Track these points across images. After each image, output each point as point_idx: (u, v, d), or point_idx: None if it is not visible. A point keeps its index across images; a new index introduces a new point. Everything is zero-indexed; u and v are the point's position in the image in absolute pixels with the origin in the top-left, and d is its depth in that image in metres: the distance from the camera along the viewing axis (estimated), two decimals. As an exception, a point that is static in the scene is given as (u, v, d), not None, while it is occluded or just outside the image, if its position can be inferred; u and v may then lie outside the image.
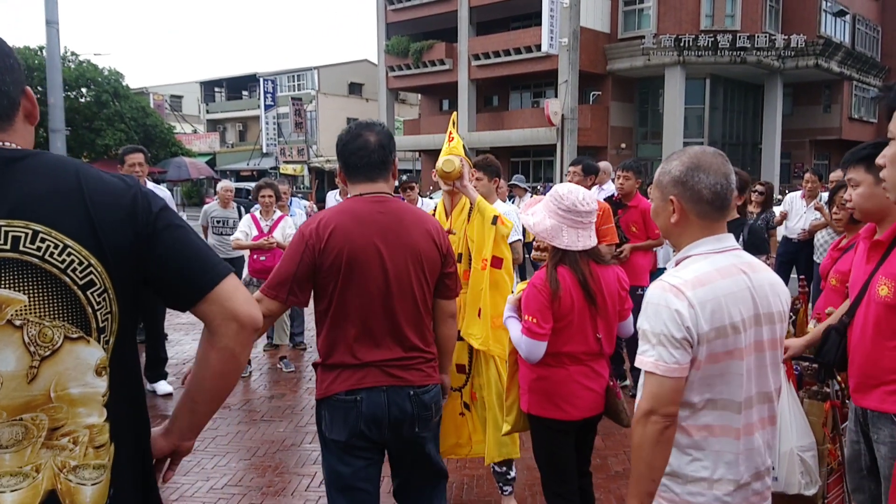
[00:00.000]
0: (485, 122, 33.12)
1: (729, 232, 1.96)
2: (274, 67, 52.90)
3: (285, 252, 2.42)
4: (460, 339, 3.34)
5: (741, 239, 4.28)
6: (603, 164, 7.65)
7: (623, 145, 30.70)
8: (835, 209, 3.78)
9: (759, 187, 6.30)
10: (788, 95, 32.52)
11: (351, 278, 2.33)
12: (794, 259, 7.65)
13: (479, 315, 3.52)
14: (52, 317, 1.29)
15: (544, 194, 3.13)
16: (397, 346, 2.40)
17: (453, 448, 3.75)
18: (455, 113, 4.07)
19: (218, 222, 7.53)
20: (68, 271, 1.29)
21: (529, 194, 10.56)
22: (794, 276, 7.47)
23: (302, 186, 35.78)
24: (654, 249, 6.39)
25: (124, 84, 33.97)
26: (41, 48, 27.69)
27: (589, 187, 5.77)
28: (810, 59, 29.16)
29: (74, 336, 1.31)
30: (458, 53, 32.51)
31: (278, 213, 6.71)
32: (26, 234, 1.26)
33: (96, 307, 1.33)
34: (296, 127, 40.55)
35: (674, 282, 1.80)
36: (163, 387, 5.89)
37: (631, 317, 3.02)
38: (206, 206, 7.87)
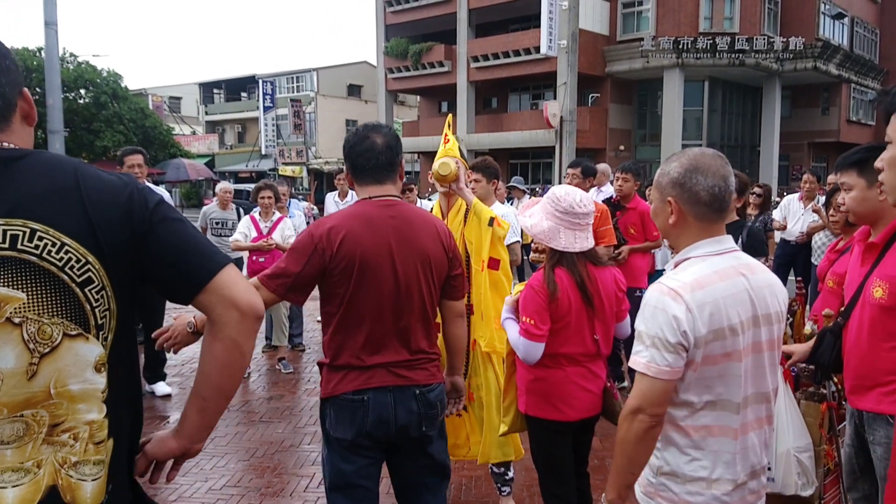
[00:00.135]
0: (484, 124, 33.14)
1: (728, 234, 1.97)
2: (273, 69, 52.81)
3: (292, 247, 2.41)
4: None
5: (740, 241, 4.29)
6: (602, 166, 7.67)
7: (622, 147, 30.73)
8: (832, 211, 3.79)
9: (757, 189, 6.33)
10: (787, 98, 32.56)
11: (362, 283, 2.35)
12: (791, 261, 7.67)
13: (480, 317, 3.53)
14: (50, 314, 1.30)
15: (542, 196, 3.14)
16: (404, 349, 2.42)
17: (451, 449, 3.75)
18: (451, 115, 4.08)
19: (217, 224, 7.53)
20: (66, 269, 1.31)
21: (528, 196, 10.57)
22: (791, 277, 7.49)
23: (301, 188, 35.76)
24: (653, 251, 6.41)
25: (123, 85, 34.00)
26: (40, 49, 27.67)
27: (587, 189, 5.78)
28: (809, 62, 29.20)
29: (73, 333, 1.33)
30: (457, 55, 32.53)
31: (277, 215, 6.72)
32: (24, 232, 1.28)
33: (94, 304, 1.35)
34: (294, 128, 40.56)
35: (672, 285, 1.81)
36: (162, 388, 5.89)
37: (628, 318, 3.03)
38: (204, 208, 7.87)
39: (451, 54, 32.78)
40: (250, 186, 21.63)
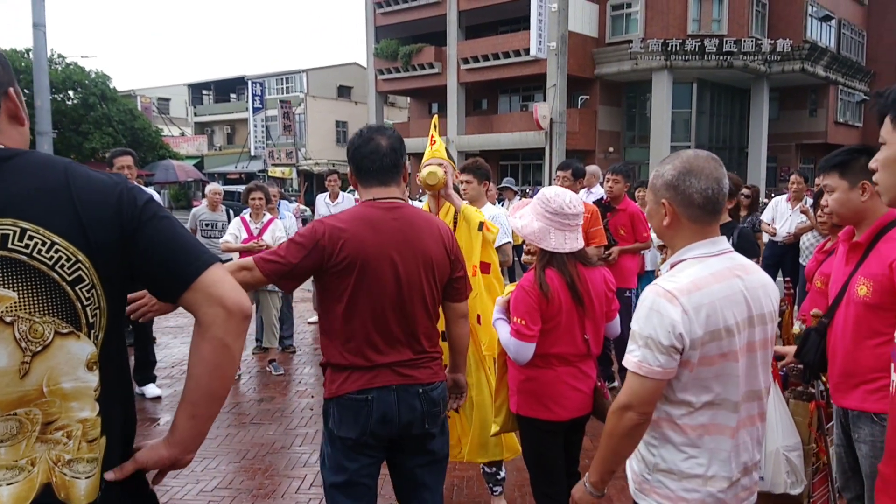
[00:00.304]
0: (474, 126, 33.17)
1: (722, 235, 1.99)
2: (262, 70, 52.58)
3: (294, 238, 2.40)
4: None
5: (731, 242, 4.31)
6: (591, 168, 7.70)
7: (611, 149, 30.84)
8: (819, 212, 3.83)
9: (745, 191, 6.37)
10: (775, 100, 32.77)
11: (364, 285, 2.36)
12: (779, 262, 7.72)
13: (479, 321, 3.54)
14: (41, 313, 1.31)
15: (532, 197, 3.16)
16: (407, 349, 2.44)
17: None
18: (436, 116, 4.09)
19: (207, 225, 7.51)
20: (56, 268, 1.31)
21: (518, 197, 10.61)
22: (779, 278, 7.54)
23: (290, 189, 35.65)
24: (642, 252, 6.45)
25: (111, 87, 33.79)
26: (28, 51, 27.51)
27: (577, 191, 5.81)
28: (796, 64, 29.40)
29: (65, 331, 1.33)
30: (447, 57, 32.55)
31: (268, 216, 6.71)
32: (14, 231, 1.28)
33: (86, 303, 1.35)
34: (284, 130, 40.43)
35: (669, 287, 1.83)
36: (152, 390, 5.86)
37: (618, 317, 3.06)
38: (194, 209, 7.84)
39: (441, 56, 32.81)
40: (240, 188, 21.59)
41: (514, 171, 32.42)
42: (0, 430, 1.29)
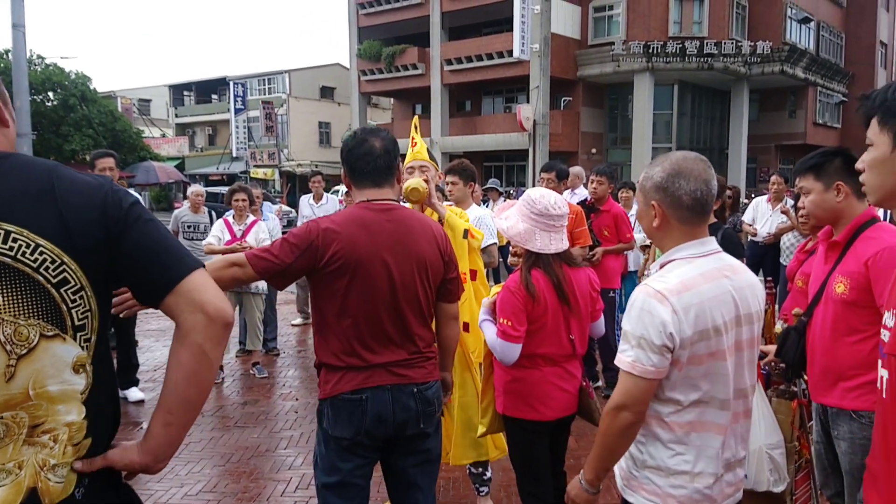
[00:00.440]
0: (458, 127, 33.20)
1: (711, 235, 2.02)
2: (244, 71, 52.36)
3: (287, 237, 2.39)
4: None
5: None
6: (576, 169, 7.74)
7: (594, 150, 30.99)
8: (801, 212, 3.87)
9: (726, 191, 6.41)
10: (755, 101, 33.07)
11: (358, 286, 2.36)
12: (760, 262, 7.79)
13: (466, 329, 3.54)
14: (26, 315, 1.30)
15: (517, 199, 3.17)
16: (401, 350, 2.45)
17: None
18: (416, 117, 4.10)
19: (189, 227, 7.44)
20: (41, 270, 1.30)
21: (503, 198, 10.63)
22: (760, 278, 7.61)
23: (273, 191, 35.46)
24: (626, 253, 6.50)
25: (91, 88, 33.52)
26: (7, 51, 27.23)
27: (561, 192, 5.84)
28: (776, 66, 29.68)
29: (50, 334, 1.32)
30: (430, 58, 32.57)
31: (251, 218, 6.66)
32: None
33: (72, 305, 1.34)
34: (266, 130, 40.20)
35: (658, 287, 1.85)
36: (134, 393, 5.82)
37: (602, 318, 3.08)
38: (176, 211, 7.76)
39: (425, 57, 32.81)
40: (222, 189, 21.45)
41: (498, 173, 32.47)
42: None
